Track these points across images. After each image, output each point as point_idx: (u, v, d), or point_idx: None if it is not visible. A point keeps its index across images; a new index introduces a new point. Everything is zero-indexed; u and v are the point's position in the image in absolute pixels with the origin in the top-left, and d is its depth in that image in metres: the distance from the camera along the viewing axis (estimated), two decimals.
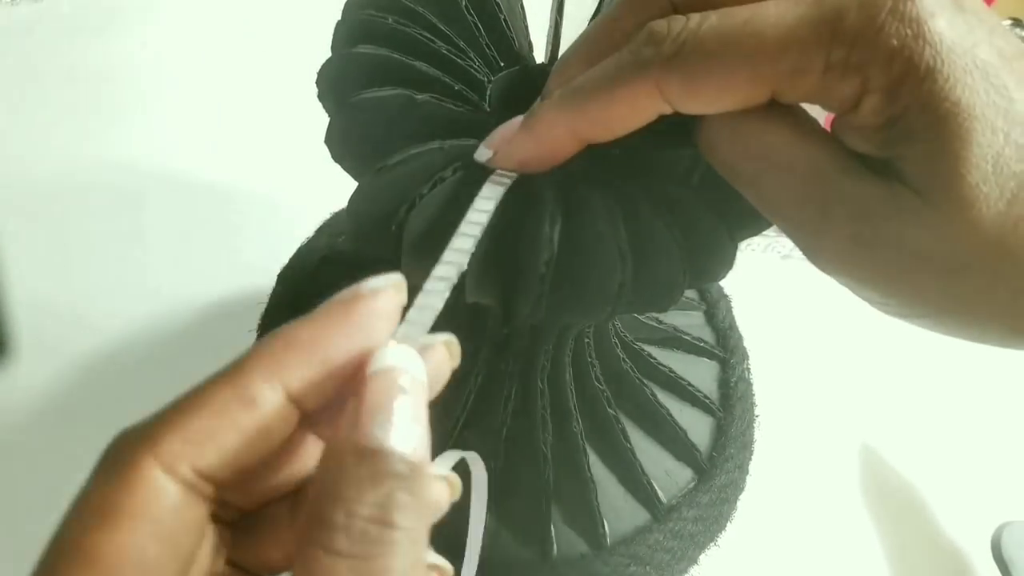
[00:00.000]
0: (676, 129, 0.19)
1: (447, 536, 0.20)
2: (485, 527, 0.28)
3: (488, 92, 0.24)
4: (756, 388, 0.34)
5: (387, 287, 0.16)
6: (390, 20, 0.23)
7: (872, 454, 0.48)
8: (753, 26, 0.16)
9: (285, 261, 0.35)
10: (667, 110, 0.18)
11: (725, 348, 0.34)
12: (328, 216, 0.37)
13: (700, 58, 0.17)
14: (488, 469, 0.28)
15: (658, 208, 0.19)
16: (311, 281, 0.33)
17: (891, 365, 0.51)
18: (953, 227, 0.16)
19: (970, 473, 0.47)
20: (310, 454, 0.17)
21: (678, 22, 0.17)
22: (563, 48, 0.26)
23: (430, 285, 0.17)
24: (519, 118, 0.20)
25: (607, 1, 0.26)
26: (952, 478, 0.47)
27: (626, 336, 0.29)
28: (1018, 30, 0.62)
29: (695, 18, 0.17)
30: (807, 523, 0.44)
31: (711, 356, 0.33)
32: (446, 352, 0.17)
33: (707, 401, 0.31)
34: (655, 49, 0.17)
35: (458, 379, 0.25)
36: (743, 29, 0.16)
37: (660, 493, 0.29)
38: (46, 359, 0.44)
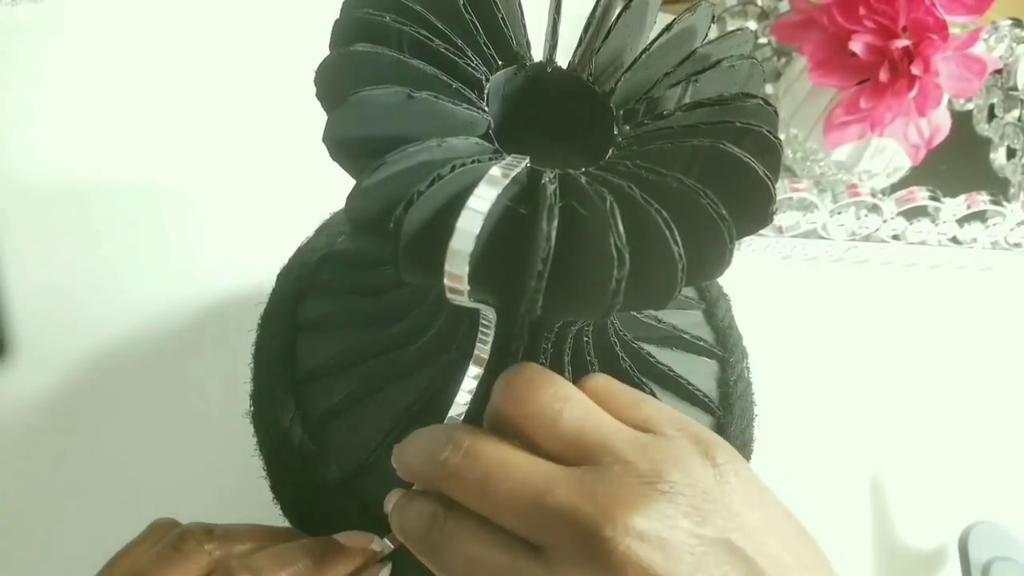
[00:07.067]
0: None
1: None
2: None
3: (486, 90, 0.24)
4: (755, 387, 0.34)
5: None
6: (388, 18, 0.23)
7: (871, 454, 0.48)
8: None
9: (285, 261, 0.35)
10: None
11: (724, 347, 0.34)
12: (328, 216, 0.37)
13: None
14: None
15: (655, 205, 0.19)
16: (310, 280, 0.33)
17: (890, 365, 0.51)
18: None
19: (938, 473, 0.48)
20: None
21: None
22: (561, 46, 0.27)
23: None
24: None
25: (603, 3, 0.26)
26: (919, 478, 0.47)
27: (625, 335, 0.29)
28: (1018, 31, 0.62)
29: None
30: (806, 520, 0.44)
31: (710, 355, 0.33)
32: None
33: (706, 400, 0.31)
34: None
35: (457, 379, 0.25)
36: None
37: None
38: (45, 359, 0.44)
